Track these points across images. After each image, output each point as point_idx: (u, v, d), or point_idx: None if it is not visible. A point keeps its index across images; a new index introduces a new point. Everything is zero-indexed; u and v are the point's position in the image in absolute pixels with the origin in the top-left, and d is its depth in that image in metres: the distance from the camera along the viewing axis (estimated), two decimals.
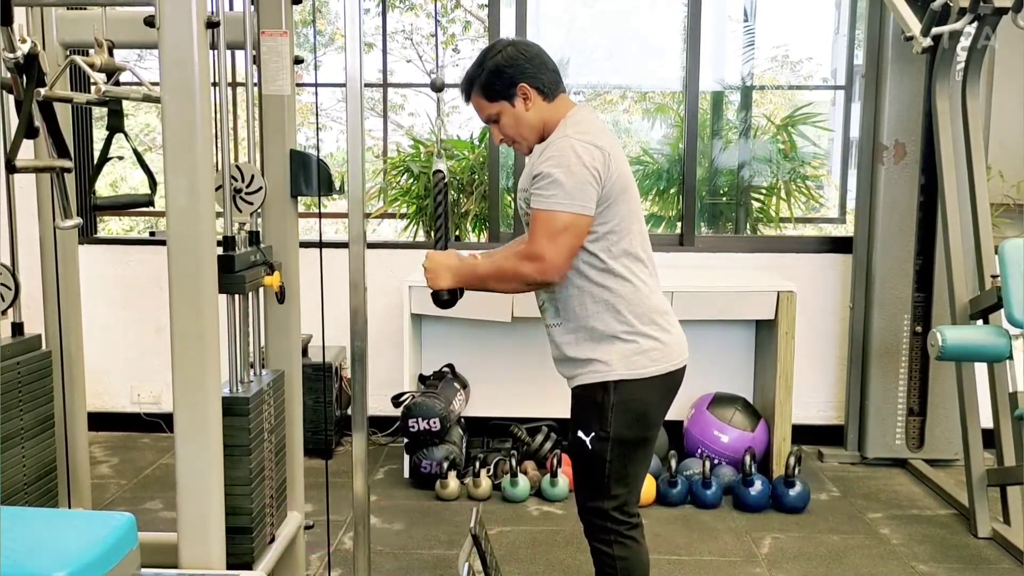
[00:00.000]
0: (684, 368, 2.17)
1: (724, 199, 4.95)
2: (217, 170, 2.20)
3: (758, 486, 3.49)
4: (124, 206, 2.03)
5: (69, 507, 2.62)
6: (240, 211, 2.30)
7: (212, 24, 1.91)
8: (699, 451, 3.80)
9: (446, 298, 2.19)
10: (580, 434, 2.11)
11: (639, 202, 2.14)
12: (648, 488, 3.52)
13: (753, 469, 3.51)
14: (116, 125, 2.02)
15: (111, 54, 1.95)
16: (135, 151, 2.07)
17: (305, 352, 4.25)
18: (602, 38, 6.42)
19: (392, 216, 5.19)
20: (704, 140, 4.81)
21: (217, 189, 2.20)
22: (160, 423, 4.47)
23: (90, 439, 4.37)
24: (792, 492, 3.47)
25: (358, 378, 2.42)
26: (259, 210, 2.34)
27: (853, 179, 4.82)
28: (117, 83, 2.01)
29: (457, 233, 4.99)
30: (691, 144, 4.42)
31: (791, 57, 6.08)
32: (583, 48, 6.35)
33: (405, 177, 4.92)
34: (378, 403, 4.36)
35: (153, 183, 2.08)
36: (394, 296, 4.22)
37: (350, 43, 2.36)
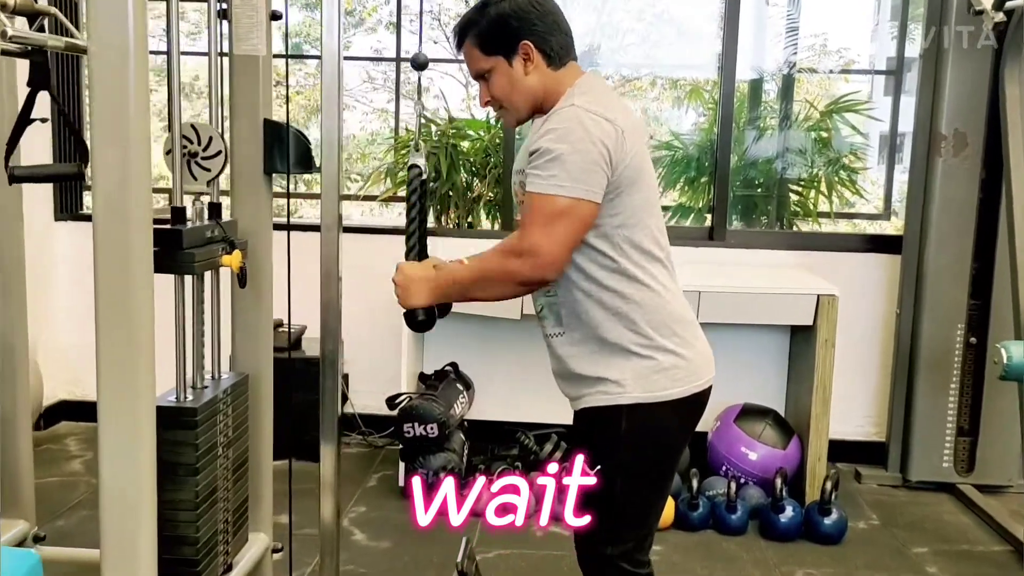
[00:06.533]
0: (710, 389, 1.81)
1: (759, 191, 4.56)
2: (167, 131, 1.90)
3: (789, 512, 3.12)
4: (47, 178, 1.71)
5: None
6: (195, 179, 1.98)
7: None
8: (724, 468, 3.43)
9: (421, 318, 1.78)
10: (584, 467, 1.76)
11: (656, 189, 1.79)
12: (667, 509, 3.17)
13: (784, 493, 3.14)
14: (40, 81, 1.68)
15: None
16: (63, 113, 1.73)
17: (298, 345, 3.94)
18: (635, 23, 6.11)
19: (401, 200, 4.86)
20: (739, 127, 4.42)
21: (167, 153, 1.90)
22: None
23: (66, 431, 4.12)
24: (827, 520, 3.10)
25: (328, 387, 2.07)
26: (217, 178, 2.02)
27: (898, 172, 4.44)
28: (42, 29, 1.67)
29: (469, 219, 4.65)
30: (725, 131, 4.03)
31: (829, 46, 5.73)
32: (615, 33, 6.08)
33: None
34: (375, 401, 4.04)
35: (84, 152, 1.74)
36: None
37: (327, 12, 2.05)
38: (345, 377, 4.12)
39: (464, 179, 4.55)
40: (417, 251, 1.94)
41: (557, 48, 1.75)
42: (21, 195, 2.34)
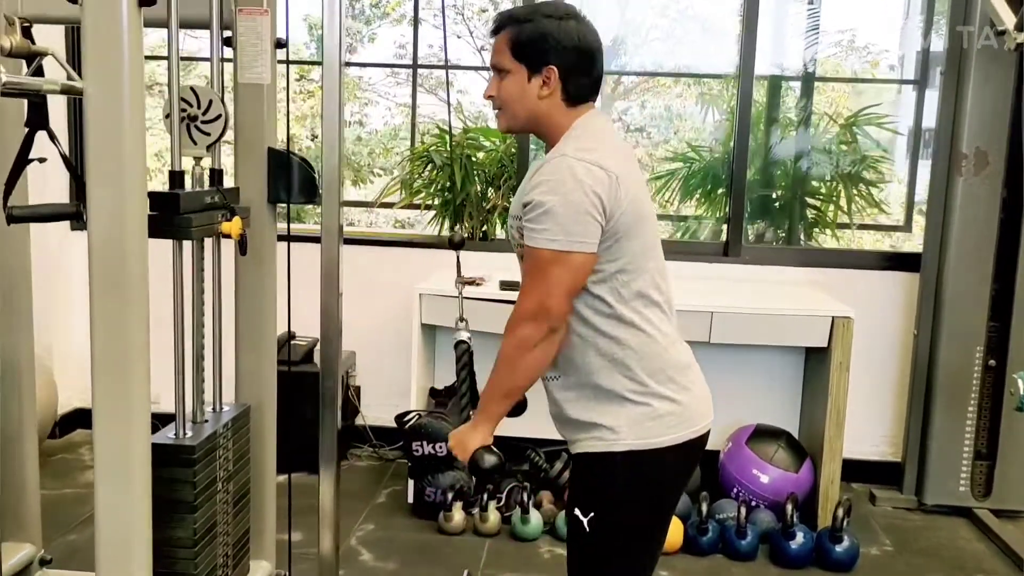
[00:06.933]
0: (707, 434, 1.79)
1: (777, 204, 4.48)
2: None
3: (800, 538, 3.08)
4: (45, 218, 1.70)
5: None
6: (195, 143, 1.96)
7: (146, 2, 1.56)
8: (735, 490, 3.40)
9: (487, 464, 1.70)
10: (577, 512, 1.75)
11: (656, 233, 1.75)
12: (675, 533, 3.14)
13: (795, 519, 3.09)
14: (38, 121, 1.68)
15: (27, 35, 1.61)
16: (62, 155, 1.73)
17: (310, 357, 3.94)
18: (660, 19, 6.06)
19: (416, 207, 4.84)
20: (757, 138, 4.35)
21: (166, 116, 1.89)
22: (157, 424, 4.18)
23: (80, 439, 4.15)
24: (839, 548, 3.06)
25: (328, 424, 2.06)
26: (217, 142, 2.00)
27: (921, 180, 4.32)
28: (39, 70, 1.67)
29: (484, 229, 4.63)
30: (742, 143, 3.97)
31: (857, 42, 5.64)
32: (639, 28, 6.06)
33: (429, 168, 4.55)
34: (387, 413, 4.04)
35: (82, 190, 1.74)
36: (411, 299, 3.82)
37: (328, 21, 2.07)
38: (357, 390, 4.12)
39: (479, 189, 4.53)
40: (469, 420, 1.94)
41: (579, 88, 1.72)
42: (28, 196, 2.34)
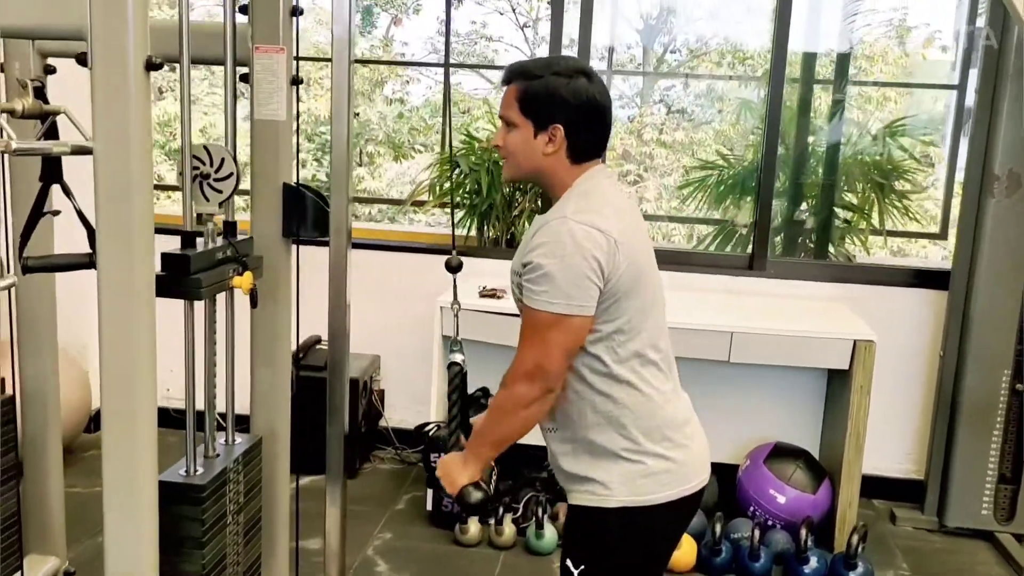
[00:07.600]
0: (702, 491, 1.80)
1: (806, 214, 4.42)
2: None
3: (813, 563, 3.08)
4: (60, 268, 1.76)
5: (21, 559, 2.39)
6: (208, 200, 1.99)
7: (153, 66, 1.59)
8: (752, 509, 3.40)
9: (474, 499, 1.74)
10: (568, 563, 1.78)
11: (658, 290, 1.76)
12: (688, 551, 3.16)
13: (810, 543, 3.09)
14: (52, 176, 1.72)
15: (40, 95, 1.65)
16: (77, 209, 1.77)
17: None
18: None
19: (446, 205, 4.86)
20: (788, 145, 4.28)
21: (180, 175, 1.92)
22: (179, 418, 4.29)
23: None
24: (853, 575, 3.05)
25: (334, 464, 2.10)
26: (229, 199, 2.03)
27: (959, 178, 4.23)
28: (53, 127, 1.71)
29: (512, 231, 4.64)
30: (770, 151, 3.91)
31: (908, 22, 5.54)
32: (684, 5, 6.04)
33: (457, 172, 4.56)
34: (412, 417, 4.10)
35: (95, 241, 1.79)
36: (432, 308, 3.85)
37: (338, 19, 2.09)
38: (381, 393, 4.18)
39: (506, 192, 4.53)
40: (457, 446, 1.94)
41: (585, 146, 1.73)
42: (53, 243, 2.41)
